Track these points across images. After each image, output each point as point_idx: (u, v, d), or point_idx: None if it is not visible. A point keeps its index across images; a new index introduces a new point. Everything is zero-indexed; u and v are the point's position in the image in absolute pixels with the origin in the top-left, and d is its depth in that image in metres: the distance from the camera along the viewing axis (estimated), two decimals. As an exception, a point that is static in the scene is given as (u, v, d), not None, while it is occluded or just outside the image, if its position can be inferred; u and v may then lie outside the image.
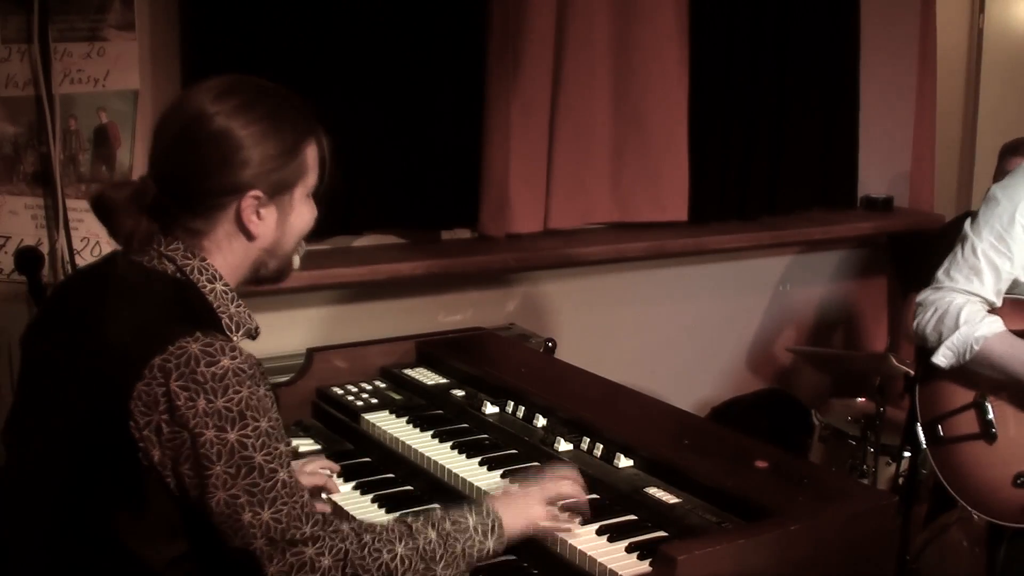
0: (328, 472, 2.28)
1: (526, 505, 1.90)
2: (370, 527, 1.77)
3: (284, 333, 3.33)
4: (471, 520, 1.82)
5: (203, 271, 1.76)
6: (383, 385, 2.74)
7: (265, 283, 1.88)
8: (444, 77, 3.50)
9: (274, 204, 1.78)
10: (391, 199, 3.49)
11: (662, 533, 1.96)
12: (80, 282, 1.88)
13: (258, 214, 1.76)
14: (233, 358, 1.63)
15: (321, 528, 1.70)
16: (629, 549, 1.91)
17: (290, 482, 1.67)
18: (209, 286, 1.76)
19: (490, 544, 1.82)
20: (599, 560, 1.87)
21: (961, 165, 5.17)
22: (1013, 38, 5.10)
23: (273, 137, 1.75)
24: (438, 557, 1.77)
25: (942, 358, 2.58)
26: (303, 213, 1.84)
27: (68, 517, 1.69)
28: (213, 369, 1.60)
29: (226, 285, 1.78)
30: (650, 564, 1.82)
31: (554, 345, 3.40)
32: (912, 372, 3.18)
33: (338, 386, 2.71)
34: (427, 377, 2.73)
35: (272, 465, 1.65)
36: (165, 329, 1.63)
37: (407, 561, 1.74)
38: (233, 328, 1.77)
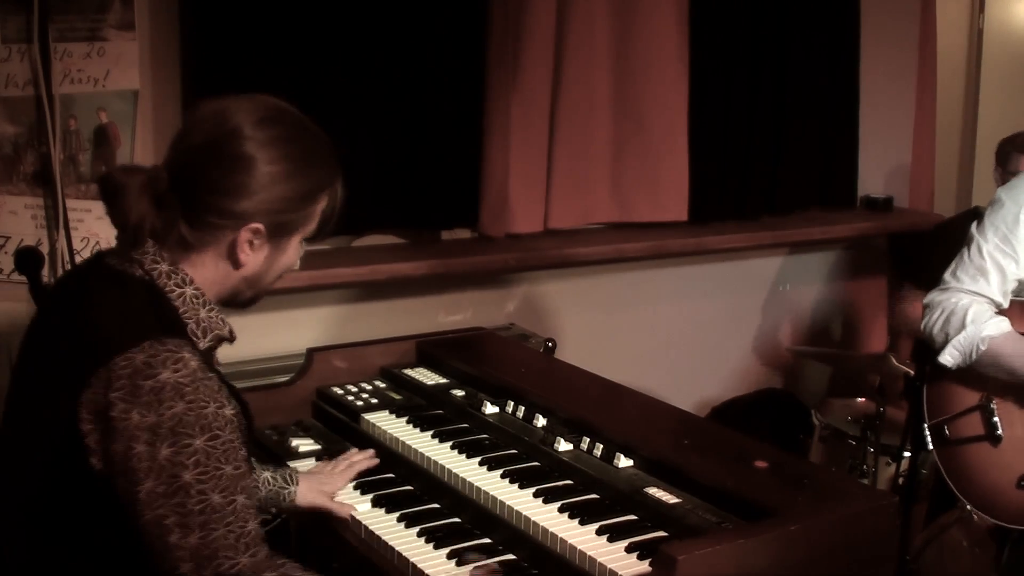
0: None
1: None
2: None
3: (284, 333, 3.33)
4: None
5: (171, 275, 1.73)
6: (383, 385, 2.74)
7: (234, 307, 1.86)
8: (444, 77, 3.50)
9: (270, 242, 1.77)
10: (391, 199, 3.49)
11: (662, 533, 1.96)
12: (64, 283, 1.90)
13: (251, 245, 1.75)
14: (175, 371, 1.59)
15: (261, 561, 1.66)
16: (629, 549, 1.91)
17: (226, 507, 1.62)
18: (177, 291, 1.73)
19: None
20: (599, 560, 1.87)
21: (961, 165, 5.17)
22: (1013, 38, 5.10)
23: (295, 180, 1.74)
24: None
25: (948, 357, 2.60)
26: (292, 254, 1.83)
27: (35, 519, 1.69)
28: (151, 383, 1.57)
29: (197, 290, 1.75)
30: (650, 564, 1.82)
31: (554, 345, 3.40)
32: (912, 372, 3.19)
33: (338, 386, 2.71)
34: (427, 377, 2.73)
35: (204, 487, 1.60)
36: (115, 337, 1.61)
37: None
38: (200, 334, 1.74)
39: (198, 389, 1.61)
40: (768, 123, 4.23)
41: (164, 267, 1.73)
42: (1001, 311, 2.61)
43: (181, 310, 1.73)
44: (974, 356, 2.56)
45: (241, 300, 1.85)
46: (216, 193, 1.71)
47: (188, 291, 1.74)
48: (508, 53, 3.59)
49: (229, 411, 1.66)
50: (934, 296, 2.66)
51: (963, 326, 2.56)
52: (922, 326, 2.67)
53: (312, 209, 1.79)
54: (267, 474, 2.22)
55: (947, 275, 2.66)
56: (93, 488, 1.63)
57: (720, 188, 4.17)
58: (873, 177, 4.64)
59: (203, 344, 1.75)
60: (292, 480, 2.24)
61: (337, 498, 2.24)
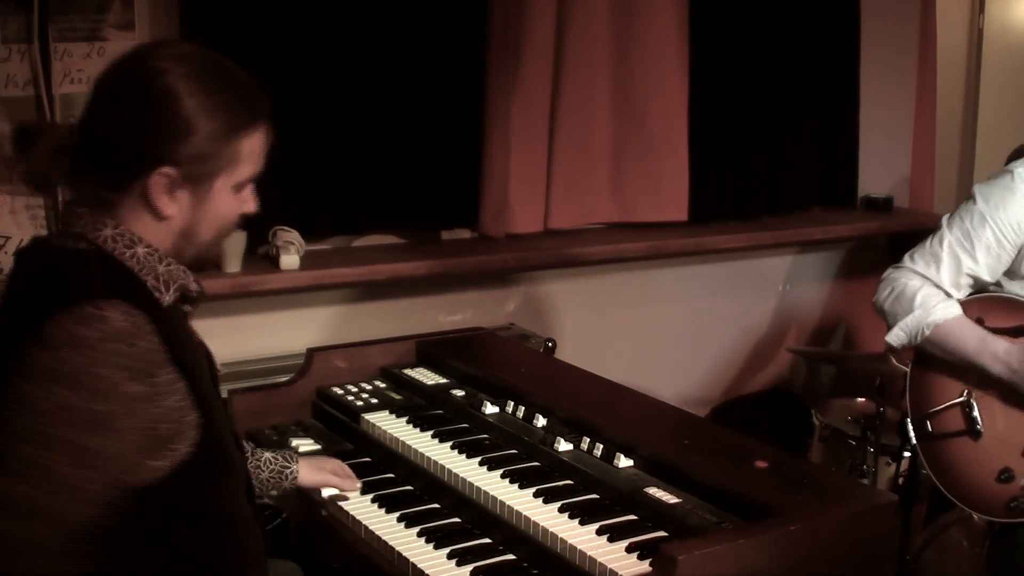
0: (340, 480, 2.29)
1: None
2: None
3: (284, 333, 3.33)
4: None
5: (118, 239, 1.67)
6: (383, 385, 2.74)
7: (192, 268, 1.77)
8: (444, 77, 3.50)
9: (188, 187, 1.67)
10: (391, 199, 3.49)
11: (662, 533, 1.96)
12: (9, 274, 1.80)
13: (171, 195, 1.67)
14: (93, 328, 1.54)
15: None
16: (629, 549, 1.91)
17: (75, 480, 1.55)
18: (128, 251, 1.67)
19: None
20: (599, 560, 1.87)
21: (961, 165, 5.17)
22: (1013, 38, 5.09)
23: (213, 116, 1.65)
24: None
25: (894, 338, 2.69)
26: (223, 203, 1.72)
27: None
28: (64, 335, 1.53)
29: (149, 247, 1.68)
30: (650, 564, 1.82)
31: (554, 345, 3.40)
32: (912, 372, 3.19)
33: (338, 386, 2.71)
34: (427, 377, 2.73)
35: (55, 451, 1.54)
36: (46, 306, 1.56)
37: None
38: (163, 288, 1.68)
39: (106, 350, 1.55)
40: (768, 123, 4.23)
41: (108, 231, 1.67)
42: (987, 309, 2.65)
43: (136, 269, 1.67)
44: (919, 339, 2.65)
45: (187, 261, 1.75)
46: (128, 135, 1.64)
47: (140, 250, 1.68)
48: (508, 53, 3.59)
49: (137, 387, 1.57)
50: (888, 273, 2.75)
51: (911, 309, 2.64)
52: (873, 300, 2.76)
53: (231, 149, 1.68)
54: (267, 454, 2.21)
55: (906, 256, 2.74)
56: None
57: (720, 188, 4.17)
58: (873, 177, 4.64)
59: (168, 298, 1.68)
60: (293, 459, 2.22)
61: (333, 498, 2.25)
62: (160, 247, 1.71)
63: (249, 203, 1.78)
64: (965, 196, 2.72)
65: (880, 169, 4.68)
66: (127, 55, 1.69)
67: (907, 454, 3.23)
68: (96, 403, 1.55)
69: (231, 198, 1.74)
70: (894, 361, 3.39)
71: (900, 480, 3.38)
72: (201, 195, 1.69)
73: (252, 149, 1.72)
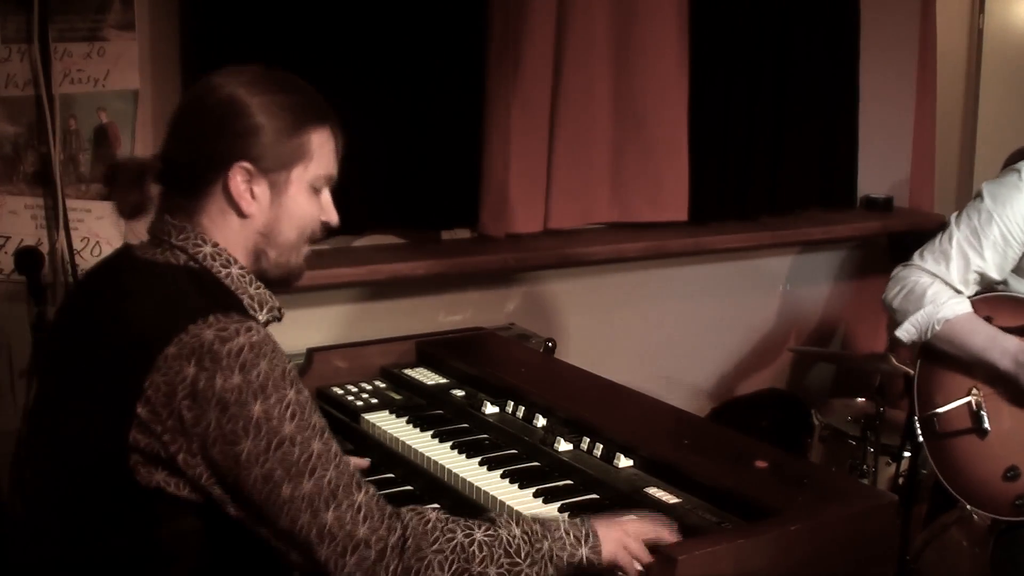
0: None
1: (623, 531, 1.80)
2: (434, 513, 1.74)
3: (284, 333, 3.31)
4: (562, 525, 1.78)
5: (216, 257, 1.74)
6: (383, 385, 2.74)
7: (272, 281, 1.83)
8: (444, 77, 3.50)
9: (267, 181, 1.74)
10: (391, 199, 3.49)
11: (662, 533, 1.95)
12: (92, 281, 1.87)
13: (251, 191, 1.74)
14: (249, 336, 1.61)
15: (376, 502, 1.67)
16: (629, 549, 1.90)
17: (327, 452, 1.64)
18: (224, 271, 1.74)
19: (583, 552, 1.75)
20: (599, 560, 1.87)
21: (961, 165, 5.17)
22: (1013, 38, 5.09)
23: (277, 112, 1.73)
24: (523, 554, 1.71)
25: (904, 333, 2.71)
26: (300, 198, 1.79)
27: (72, 520, 1.68)
28: (229, 346, 1.58)
29: (242, 268, 1.77)
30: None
31: (554, 345, 3.40)
32: (912, 372, 3.20)
33: (338, 386, 2.71)
34: (427, 377, 2.73)
35: (305, 435, 1.61)
36: (176, 318, 1.60)
37: (485, 548, 1.69)
38: (257, 308, 1.76)
39: (276, 348, 1.64)
40: (768, 123, 4.23)
41: (207, 249, 1.74)
42: (993, 307, 2.68)
43: (233, 288, 1.74)
44: (928, 335, 2.67)
45: (268, 266, 1.81)
46: (200, 143, 1.72)
47: (235, 270, 1.76)
48: (508, 53, 3.59)
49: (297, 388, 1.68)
50: (898, 271, 2.77)
51: (921, 305, 2.66)
52: (882, 297, 2.78)
53: (301, 141, 1.75)
54: None
55: (915, 254, 2.77)
56: (143, 488, 1.61)
57: (720, 188, 4.17)
58: (873, 177, 4.64)
59: (262, 317, 1.77)
60: None
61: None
62: (243, 254, 1.77)
63: (330, 212, 1.86)
64: (973, 194, 2.75)
65: (880, 169, 4.68)
66: (193, 86, 1.80)
67: (907, 454, 3.23)
68: (297, 389, 1.65)
69: (309, 198, 1.80)
70: (894, 361, 3.39)
71: (900, 480, 3.39)
72: (278, 189, 1.76)
73: (322, 144, 1.79)
